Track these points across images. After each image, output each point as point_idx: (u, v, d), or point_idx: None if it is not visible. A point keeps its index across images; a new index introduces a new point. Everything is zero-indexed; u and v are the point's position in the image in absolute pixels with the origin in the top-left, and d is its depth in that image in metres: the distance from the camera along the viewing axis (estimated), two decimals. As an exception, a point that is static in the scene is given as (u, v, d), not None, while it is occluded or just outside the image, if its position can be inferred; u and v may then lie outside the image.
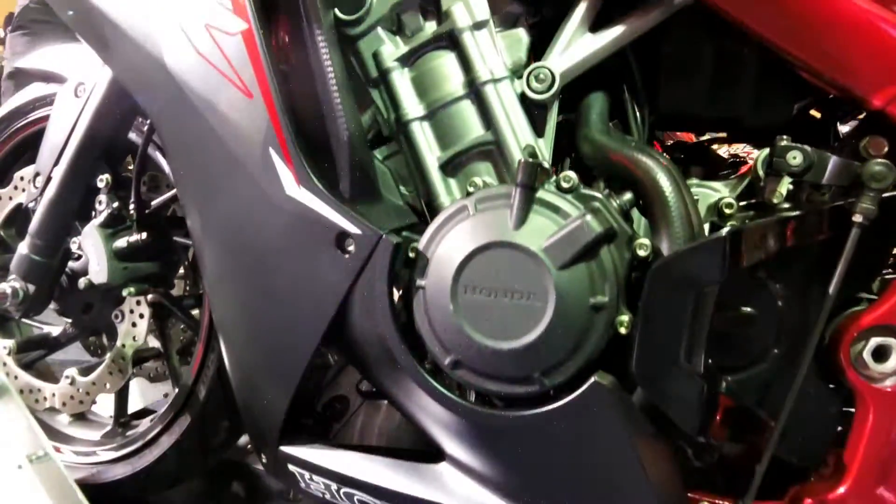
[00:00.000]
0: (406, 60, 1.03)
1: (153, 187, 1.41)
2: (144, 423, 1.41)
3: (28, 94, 1.47)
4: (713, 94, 1.02)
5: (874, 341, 0.87)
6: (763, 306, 0.94)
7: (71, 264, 1.36)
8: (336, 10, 1.02)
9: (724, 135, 1.24)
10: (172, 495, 1.51)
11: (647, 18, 0.98)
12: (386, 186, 1.04)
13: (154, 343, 1.48)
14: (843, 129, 1.15)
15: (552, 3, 1.04)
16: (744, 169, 1.10)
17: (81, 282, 1.31)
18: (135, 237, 1.28)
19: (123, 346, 1.37)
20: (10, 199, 1.47)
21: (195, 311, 1.46)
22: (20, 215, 1.45)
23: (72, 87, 1.31)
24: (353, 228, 0.91)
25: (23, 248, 1.32)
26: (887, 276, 0.97)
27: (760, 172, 0.98)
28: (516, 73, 1.00)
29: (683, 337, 0.85)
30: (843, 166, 0.87)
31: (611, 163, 0.96)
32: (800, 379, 0.86)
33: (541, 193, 0.88)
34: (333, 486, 1.05)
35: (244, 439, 1.46)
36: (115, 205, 1.29)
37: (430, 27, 1.03)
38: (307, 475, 1.07)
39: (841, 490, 0.89)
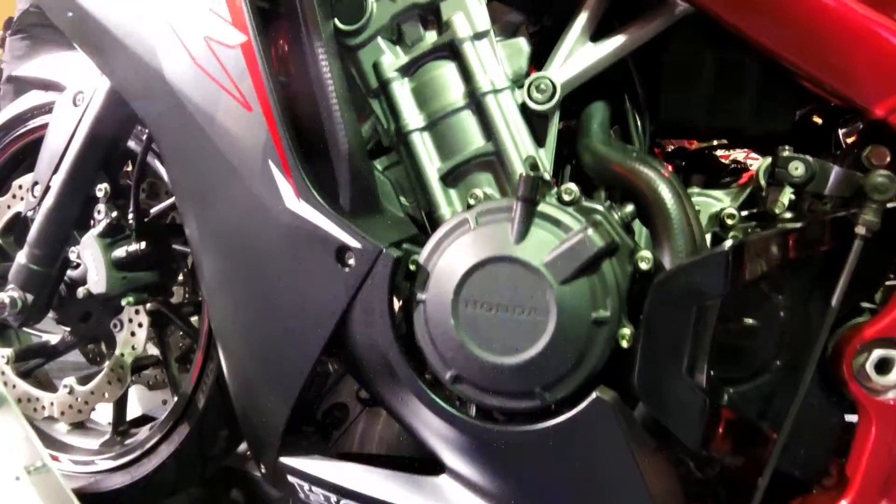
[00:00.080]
0: (406, 71, 1.03)
1: (152, 194, 1.40)
2: (143, 431, 1.41)
3: (27, 103, 1.47)
4: (714, 103, 1.02)
5: (877, 354, 0.87)
6: (765, 318, 0.94)
7: (70, 273, 1.36)
8: (336, 21, 1.01)
9: (724, 141, 1.23)
10: (171, 503, 1.50)
11: (648, 28, 0.97)
12: (386, 197, 1.04)
13: (153, 350, 1.48)
14: (843, 130, 1.15)
15: (553, 12, 1.04)
16: (745, 177, 1.10)
17: (80, 291, 1.30)
18: (134, 247, 1.27)
19: (122, 355, 1.37)
20: (9, 207, 1.47)
21: (194, 318, 1.46)
22: (19, 224, 1.44)
23: (71, 96, 1.30)
24: (353, 242, 0.91)
25: (21, 257, 1.32)
26: (889, 284, 0.97)
27: (762, 182, 0.98)
28: (517, 83, 1.00)
29: (685, 351, 0.84)
30: (845, 177, 0.86)
31: (612, 174, 0.95)
32: (802, 391, 0.86)
33: (542, 207, 0.88)
34: (333, 498, 1.05)
35: (243, 446, 1.46)
36: (114, 214, 1.29)
37: (431, 37, 1.03)
38: (307, 486, 1.07)
39: (843, 503, 0.89)
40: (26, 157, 1.48)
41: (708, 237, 0.96)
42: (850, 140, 1.13)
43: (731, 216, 0.96)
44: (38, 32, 2.77)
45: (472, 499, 0.96)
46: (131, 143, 1.34)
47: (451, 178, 1.02)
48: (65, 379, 1.44)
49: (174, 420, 1.32)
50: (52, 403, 1.44)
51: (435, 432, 0.96)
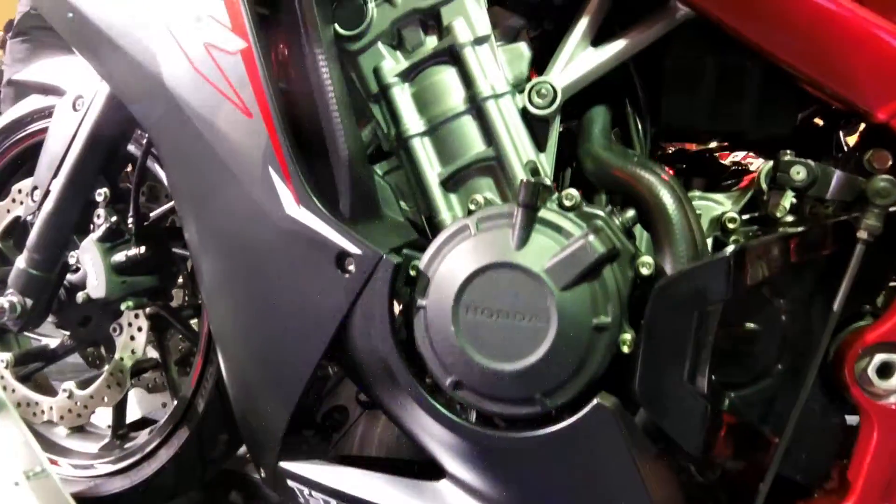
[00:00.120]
0: (407, 76, 1.03)
1: (152, 198, 1.40)
2: (143, 435, 1.41)
3: (26, 107, 1.46)
4: (715, 107, 1.01)
5: (879, 358, 0.86)
6: (767, 322, 0.94)
7: (69, 277, 1.35)
8: (336, 26, 1.01)
9: (725, 143, 1.23)
10: (171, 506, 1.50)
11: (649, 32, 0.97)
12: (386, 202, 1.04)
13: (152, 353, 1.48)
14: (843, 131, 1.15)
15: (554, 16, 1.04)
16: (746, 181, 1.10)
17: (79, 296, 1.30)
18: (133, 251, 1.27)
19: (122, 359, 1.37)
20: (8, 211, 1.47)
21: (193, 321, 1.46)
22: (18, 228, 1.44)
23: (70, 100, 1.30)
24: (353, 248, 0.91)
25: (20, 262, 1.31)
26: (891, 288, 0.97)
27: (763, 186, 0.98)
28: (518, 87, 1.00)
29: (687, 356, 0.84)
30: (847, 181, 0.86)
31: (613, 178, 0.95)
32: (804, 395, 0.86)
33: (543, 212, 0.88)
34: (333, 503, 1.04)
35: (243, 449, 1.46)
36: (114, 219, 1.28)
37: (431, 42, 1.02)
38: (306, 491, 1.06)
39: (845, 507, 0.89)
40: (26, 161, 1.48)
41: (709, 241, 0.95)
42: (850, 140, 1.13)
43: (733, 220, 0.96)
44: (39, 35, 2.76)
45: (472, 504, 0.96)
46: (131, 147, 1.34)
47: (451, 183, 1.02)
48: (64, 383, 1.43)
49: (174, 424, 1.32)
50: (51, 407, 1.44)
51: (435, 438, 0.96)
